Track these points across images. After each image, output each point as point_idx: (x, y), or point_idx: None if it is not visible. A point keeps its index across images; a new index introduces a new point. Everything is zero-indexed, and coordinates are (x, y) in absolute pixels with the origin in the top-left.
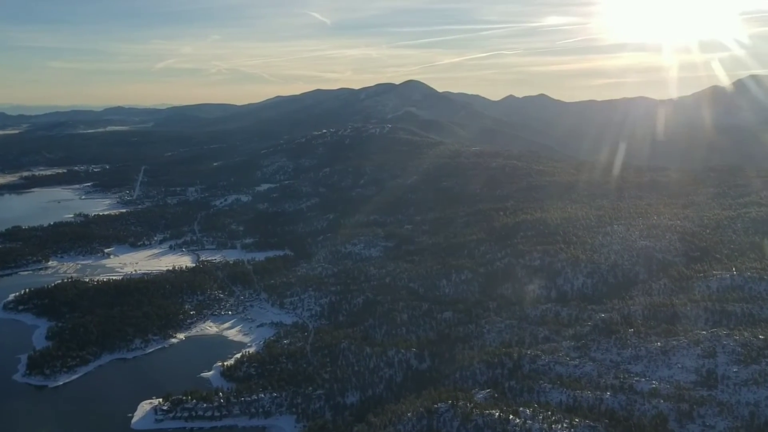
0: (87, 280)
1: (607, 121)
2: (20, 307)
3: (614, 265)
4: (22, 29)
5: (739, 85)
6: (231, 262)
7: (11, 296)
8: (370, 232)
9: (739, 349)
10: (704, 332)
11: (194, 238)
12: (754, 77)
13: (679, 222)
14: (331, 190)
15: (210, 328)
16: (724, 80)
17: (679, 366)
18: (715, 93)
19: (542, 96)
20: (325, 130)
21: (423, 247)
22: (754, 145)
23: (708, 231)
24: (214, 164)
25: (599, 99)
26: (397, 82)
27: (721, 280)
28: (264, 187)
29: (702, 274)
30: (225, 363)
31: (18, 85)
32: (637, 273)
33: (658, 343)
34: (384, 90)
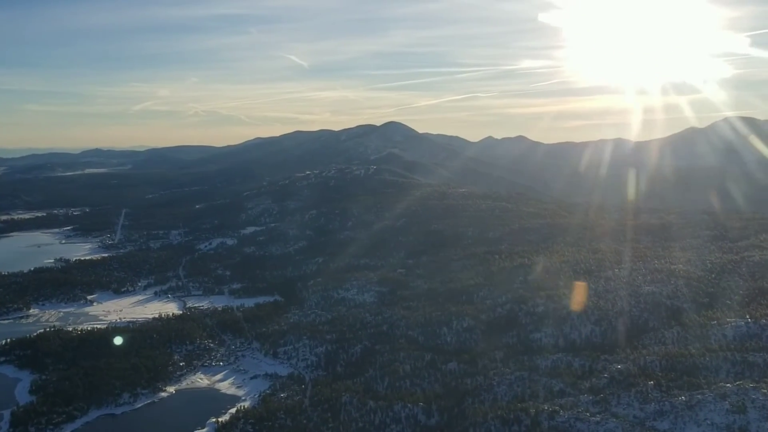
0: (71, 329)
1: (587, 162)
2: (2, 359)
3: (622, 311)
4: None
5: (716, 126)
6: (220, 309)
7: None
8: (362, 277)
9: None
10: (729, 385)
11: (180, 283)
12: (732, 120)
13: (681, 266)
14: (319, 233)
15: (201, 380)
16: (698, 122)
17: (709, 422)
18: (692, 134)
19: (521, 137)
20: (308, 172)
21: (419, 293)
22: (741, 186)
23: (713, 276)
24: (197, 207)
25: (576, 140)
26: (377, 124)
27: (736, 328)
28: (249, 230)
29: (716, 322)
30: (219, 419)
31: None
32: (647, 320)
33: (682, 397)
34: (365, 131)
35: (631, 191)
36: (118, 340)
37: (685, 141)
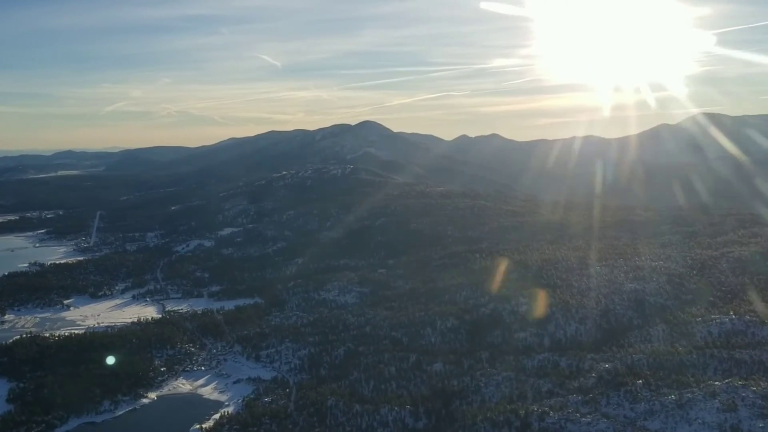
0: (48, 335)
1: (559, 160)
2: None
3: (606, 310)
4: None
5: (687, 123)
6: (199, 312)
7: None
8: (343, 277)
9: (760, 402)
10: (718, 383)
11: (158, 286)
12: (698, 117)
13: (662, 263)
14: (297, 234)
15: (183, 385)
16: (668, 119)
17: (700, 422)
18: (663, 131)
19: (494, 135)
20: (285, 172)
21: (401, 293)
22: (707, 181)
23: (695, 272)
24: (172, 208)
25: (549, 138)
26: (351, 123)
27: (721, 325)
28: (227, 231)
29: (700, 319)
30: (203, 425)
31: None
32: (631, 318)
33: (672, 396)
34: (340, 131)
35: (602, 188)
36: (110, 360)
37: (655, 138)
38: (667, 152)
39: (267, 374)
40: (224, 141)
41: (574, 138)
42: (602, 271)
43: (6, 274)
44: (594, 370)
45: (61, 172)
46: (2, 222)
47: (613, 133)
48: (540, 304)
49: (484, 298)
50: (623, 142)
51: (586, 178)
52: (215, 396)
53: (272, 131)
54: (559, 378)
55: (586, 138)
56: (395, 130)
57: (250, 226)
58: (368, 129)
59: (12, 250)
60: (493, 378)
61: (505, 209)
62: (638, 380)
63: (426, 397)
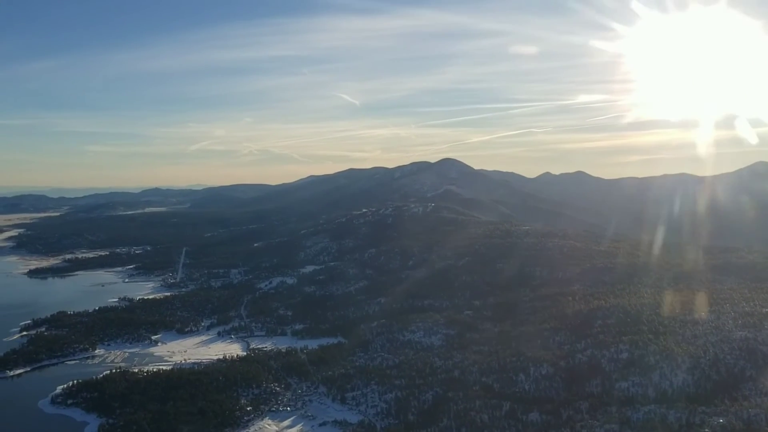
0: (136, 370)
1: (651, 199)
2: (69, 401)
3: (715, 359)
4: (62, 116)
5: None
6: (283, 351)
7: (59, 389)
8: (427, 318)
9: None
10: None
11: (242, 323)
12: None
13: None
14: (379, 272)
15: (269, 426)
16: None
17: None
18: (760, 168)
19: (580, 173)
20: (365, 210)
21: (489, 336)
22: None
23: None
24: (255, 245)
25: (639, 176)
26: (430, 161)
27: None
28: (309, 268)
29: None
30: None
31: (58, 168)
32: (743, 368)
33: None
34: (419, 168)
35: (700, 228)
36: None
37: (755, 175)
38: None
39: (353, 417)
40: (304, 179)
41: (665, 176)
42: (708, 317)
43: (97, 309)
44: (707, 425)
45: (148, 209)
46: (93, 257)
47: (706, 171)
48: (643, 351)
49: (580, 344)
50: (720, 180)
51: (680, 217)
52: None
53: (351, 169)
54: None
55: (679, 176)
56: (477, 168)
57: (332, 263)
58: (448, 166)
59: (102, 285)
60: (596, 431)
61: (596, 250)
62: None
63: None
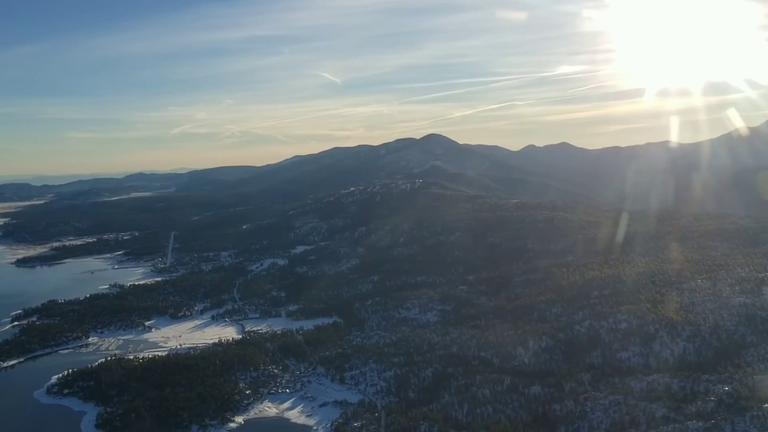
0: (132, 357)
1: (636, 168)
2: (65, 391)
3: (715, 326)
4: (42, 102)
5: (764, 126)
6: (279, 332)
7: (54, 378)
8: (422, 295)
9: None
10: None
11: (236, 306)
12: None
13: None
14: (370, 251)
15: (269, 408)
16: (744, 122)
17: None
18: (740, 135)
19: (564, 144)
20: (353, 188)
21: (485, 311)
22: None
23: None
24: (244, 227)
25: (621, 145)
26: (414, 137)
27: None
28: (299, 249)
29: None
30: None
31: (41, 156)
32: (743, 335)
33: None
34: (405, 145)
35: (687, 195)
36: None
37: (735, 141)
38: (753, 156)
39: (353, 397)
40: (289, 159)
41: (648, 144)
42: (704, 284)
43: (88, 296)
44: (712, 393)
45: (133, 194)
46: (81, 244)
47: (687, 139)
48: (642, 320)
49: (578, 315)
50: (701, 147)
51: (666, 185)
52: (303, 420)
53: (336, 147)
54: (674, 402)
55: (661, 144)
56: (461, 143)
57: (323, 243)
58: (433, 142)
59: (92, 272)
60: (600, 402)
61: (587, 220)
62: (764, 404)
63: (527, 422)
